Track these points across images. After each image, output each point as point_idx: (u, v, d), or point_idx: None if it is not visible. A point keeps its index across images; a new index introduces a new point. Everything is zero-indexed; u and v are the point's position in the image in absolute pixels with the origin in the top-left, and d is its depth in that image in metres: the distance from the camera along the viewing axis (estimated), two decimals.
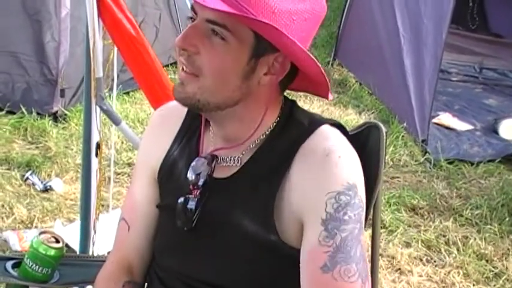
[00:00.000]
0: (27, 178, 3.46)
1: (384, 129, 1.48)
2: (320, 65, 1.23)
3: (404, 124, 4.34)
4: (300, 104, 1.36)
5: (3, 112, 4.12)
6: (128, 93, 4.57)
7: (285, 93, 1.34)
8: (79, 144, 3.82)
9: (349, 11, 5.41)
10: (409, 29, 4.56)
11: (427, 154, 4.05)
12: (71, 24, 4.10)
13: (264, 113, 1.27)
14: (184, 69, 1.22)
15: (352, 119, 4.58)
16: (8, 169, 3.58)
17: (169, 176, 1.38)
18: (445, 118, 4.54)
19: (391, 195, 3.54)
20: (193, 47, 1.20)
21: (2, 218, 3.14)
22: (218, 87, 1.21)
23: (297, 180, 1.24)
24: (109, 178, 3.39)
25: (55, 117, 4.12)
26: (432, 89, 4.19)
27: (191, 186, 1.30)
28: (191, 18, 1.23)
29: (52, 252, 1.58)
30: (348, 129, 1.39)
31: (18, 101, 4.11)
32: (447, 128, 4.44)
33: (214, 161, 1.31)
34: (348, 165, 1.24)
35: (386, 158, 4.02)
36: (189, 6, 1.24)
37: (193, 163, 1.31)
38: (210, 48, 1.19)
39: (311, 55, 1.20)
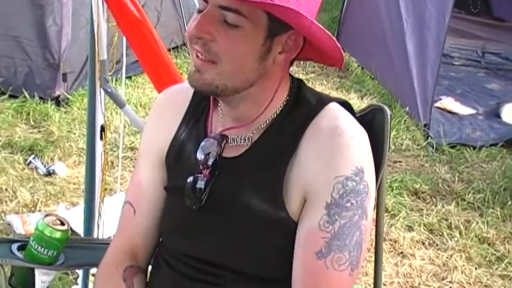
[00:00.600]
0: (30, 162, 3.48)
1: (388, 111, 1.49)
2: (335, 40, 1.23)
3: (407, 108, 4.34)
4: None
5: (6, 96, 4.13)
6: (129, 77, 4.56)
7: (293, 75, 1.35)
8: (82, 128, 3.83)
9: None
10: (412, 13, 4.54)
11: (429, 138, 4.05)
12: (73, 8, 4.09)
13: (276, 90, 1.29)
14: (200, 56, 1.22)
15: (355, 103, 4.58)
16: (10, 153, 3.59)
17: (177, 158, 1.39)
18: (448, 102, 4.54)
19: (394, 179, 3.55)
20: (208, 34, 1.20)
21: (6, 201, 3.15)
22: (236, 71, 1.22)
23: (307, 157, 1.25)
24: (112, 162, 3.41)
25: (57, 101, 4.13)
26: (435, 73, 4.18)
27: (201, 166, 1.30)
28: (200, 10, 1.22)
29: (57, 235, 1.58)
30: None
31: (21, 85, 4.12)
32: (449, 112, 4.43)
33: (224, 141, 1.31)
34: (360, 148, 1.25)
35: (389, 142, 4.01)
36: None
37: (202, 143, 1.31)
38: (225, 34, 1.19)
39: (327, 31, 1.21)
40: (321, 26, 1.20)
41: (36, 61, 4.12)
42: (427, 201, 3.44)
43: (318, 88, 4.80)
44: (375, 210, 1.55)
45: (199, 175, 1.31)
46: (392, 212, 3.27)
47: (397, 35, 4.63)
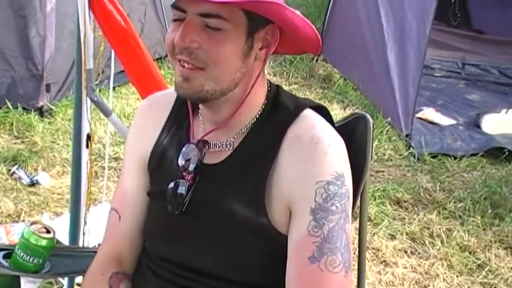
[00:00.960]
0: (14, 172, 3.47)
1: (371, 120, 1.52)
2: (314, 28, 1.28)
3: (389, 119, 4.38)
4: None
5: None
6: (113, 88, 4.54)
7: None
8: (65, 139, 3.83)
9: (333, 7, 5.43)
10: (393, 24, 4.60)
11: (411, 148, 4.09)
12: (57, 18, 4.09)
13: (253, 85, 1.30)
14: (186, 66, 1.24)
15: (337, 114, 4.61)
16: None
17: (160, 164, 1.41)
18: (429, 113, 4.59)
19: (376, 188, 3.58)
20: (194, 42, 1.22)
21: None
22: (224, 73, 1.25)
23: (286, 165, 1.27)
24: (96, 172, 3.41)
25: (41, 112, 4.12)
26: (416, 84, 4.23)
27: (183, 172, 1.32)
28: (176, 19, 1.25)
29: (43, 243, 1.59)
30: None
31: (4, 96, 4.10)
32: (431, 122, 4.49)
33: (206, 147, 1.33)
34: (337, 154, 1.27)
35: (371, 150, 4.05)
36: None
37: (183, 149, 1.34)
38: (209, 40, 1.22)
39: (306, 20, 1.26)
40: (301, 15, 1.24)
41: (19, 72, 4.10)
42: (409, 210, 3.48)
43: None
44: (358, 218, 1.58)
45: (180, 180, 1.33)
46: (375, 221, 3.30)
47: (379, 46, 4.68)
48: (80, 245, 2.16)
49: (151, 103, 1.51)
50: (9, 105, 4.06)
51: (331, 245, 1.22)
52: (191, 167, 1.32)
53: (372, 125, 1.52)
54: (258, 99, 1.33)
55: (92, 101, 1.92)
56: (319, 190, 1.23)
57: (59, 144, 3.82)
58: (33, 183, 3.40)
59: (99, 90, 4.19)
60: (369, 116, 1.52)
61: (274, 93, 1.36)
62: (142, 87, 1.97)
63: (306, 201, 1.24)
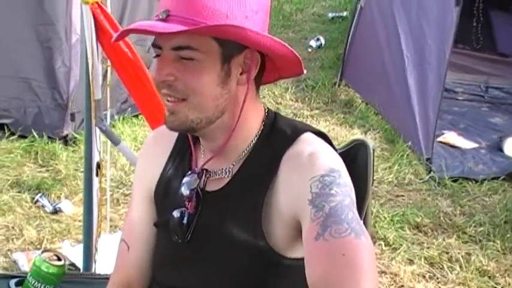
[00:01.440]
0: (37, 200, 3.54)
1: (371, 146, 1.54)
2: (287, 45, 1.30)
3: (409, 143, 4.37)
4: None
5: (15, 136, 4.20)
6: (137, 116, 4.64)
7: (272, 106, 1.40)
8: None
9: (354, 33, 5.46)
10: (412, 49, 4.61)
11: (432, 172, 4.07)
12: (81, 49, 4.17)
13: (242, 107, 1.32)
14: (170, 99, 1.29)
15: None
16: (18, 192, 3.66)
17: (165, 194, 1.45)
18: (450, 137, 4.57)
19: (395, 213, 3.57)
20: (170, 75, 1.27)
21: (12, 239, 3.21)
22: (205, 101, 1.28)
23: (284, 184, 1.29)
24: (117, 200, 3.47)
25: (65, 140, 4.20)
26: (436, 108, 4.22)
27: (185, 202, 1.36)
28: (158, 55, 1.30)
29: (54, 270, 1.64)
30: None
31: (30, 126, 4.20)
32: (452, 146, 4.46)
33: (206, 175, 1.37)
34: (330, 157, 1.29)
35: (391, 176, 4.05)
36: None
37: (185, 179, 1.37)
38: (184, 70, 1.26)
39: (276, 38, 1.27)
40: (269, 35, 1.27)
41: (45, 101, 4.20)
42: (429, 234, 3.45)
43: (322, 124, 4.85)
44: None
45: (184, 210, 1.36)
46: (393, 246, 3.29)
47: (399, 70, 4.69)
48: (93, 271, 2.20)
49: (157, 136, 1.55)
50: (35, 135, 4.16)
51: (334, 218, 1.18)
52: (194, 196, 1.35)
53: (372, 151, 1.54)
54: (252, 124, 1.36)
55: (101, 130, 1.97)
56: (313, 184, 1.23)
57: (82, 172, 3.87)
58: (55, 211, 3.47)
59: (123, 118, 4.29)
60: (368, 142, 1.54)
61: (272, 119, 1.38)
62: (150, 116, 2.01)
63: (303, 198, 1.23)
